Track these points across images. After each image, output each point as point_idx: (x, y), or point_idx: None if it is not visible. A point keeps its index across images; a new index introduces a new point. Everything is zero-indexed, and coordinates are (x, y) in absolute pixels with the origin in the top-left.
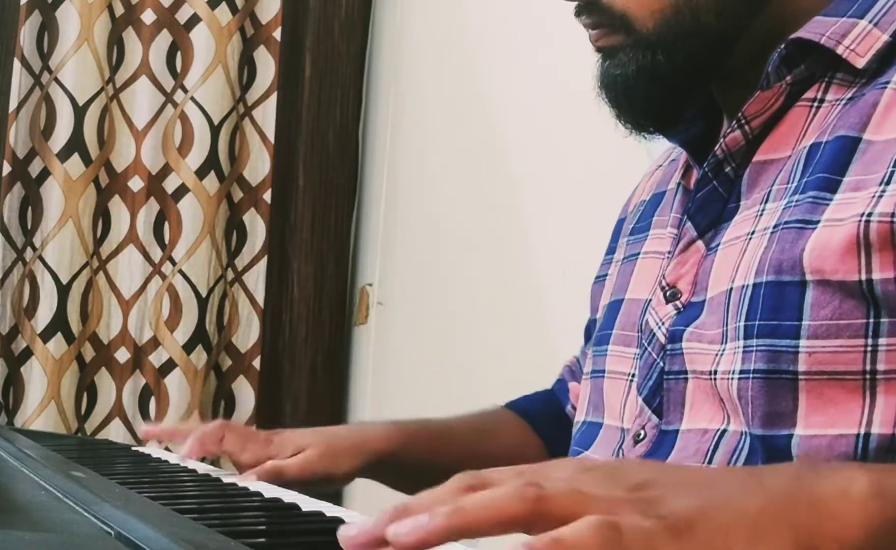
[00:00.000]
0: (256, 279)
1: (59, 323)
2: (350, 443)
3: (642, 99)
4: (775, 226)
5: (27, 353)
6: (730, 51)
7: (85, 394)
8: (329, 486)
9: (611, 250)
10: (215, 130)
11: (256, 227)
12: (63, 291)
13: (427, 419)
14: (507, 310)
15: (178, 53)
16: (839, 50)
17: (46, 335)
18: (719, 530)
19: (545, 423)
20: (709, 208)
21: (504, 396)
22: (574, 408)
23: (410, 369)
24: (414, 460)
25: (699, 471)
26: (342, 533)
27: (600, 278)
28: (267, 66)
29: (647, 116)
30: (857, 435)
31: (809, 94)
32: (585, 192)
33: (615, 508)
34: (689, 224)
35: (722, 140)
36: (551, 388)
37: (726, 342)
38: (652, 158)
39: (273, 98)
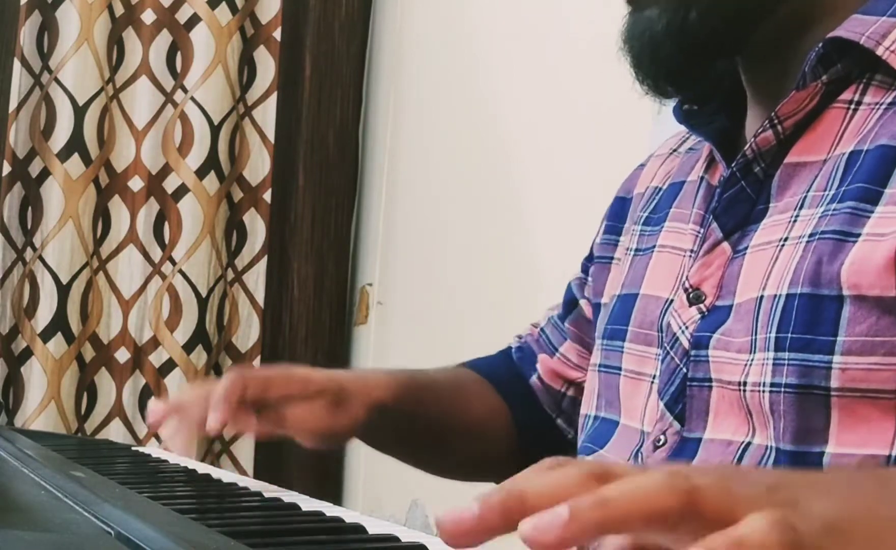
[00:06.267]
0: (256, 279)
1: (59, 323)
2: (362, 397)
3: (666, 57)
4: (811, 235)
5: (27, 353)
6: (763, 23)
7: (85, 394)
8: (331, 443)
9: (613, 230)
10: (215, 130)
11: (256, 227)
12: (63, 291)
13: (411, 370)
14: (508, 310)
15: (178, 53)
16: (879, 51)
17: (46, 335)
18: (871, 537)
19: (508, 388)
20: (736, 209)
21: None
22: (541, 380)
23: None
24: (405, 412)
25: (822, 475)
26: (442, 521)
27: (604, 260)
28: (267, 66)
29: (668, 78)
30: (889, 457)
31: (846, 95)
32: (586, 191)
33: (764, 507)
34: (714, 224)
35: (753, 140)
36: (507, 355)
37: (755, 352)
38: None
39: (273, 98)
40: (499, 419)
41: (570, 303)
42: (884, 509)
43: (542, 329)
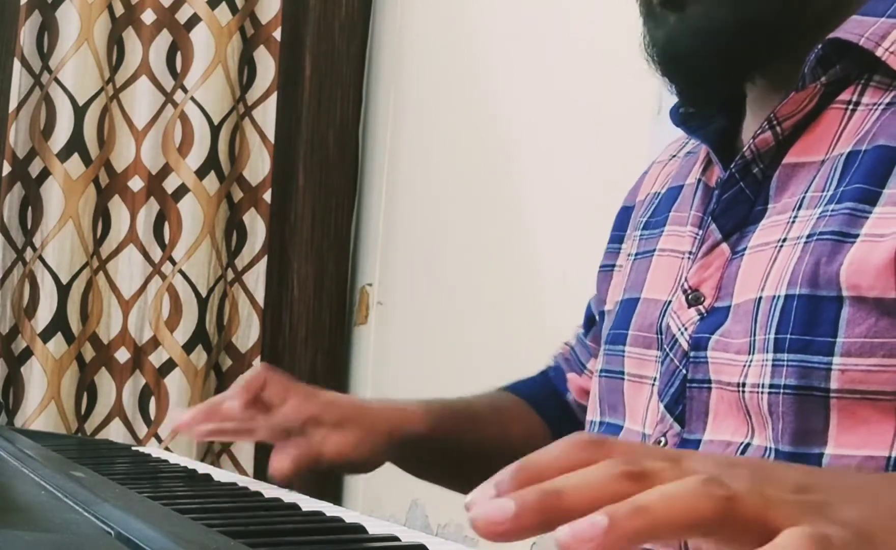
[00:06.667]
0: (256, 279)
1: (59, 323)
2: (388, 426)
3: (707, 57)
4: (809, 236)
5: (27, 353)
6: (796, 28)
7: (85, 394)
8: (358, 471)
9: (616, 239)
10: (215, 130)
11: (256, 227)
12: (63, 291)
13: (446, 398)
14: (508, 310)
15: (178, 53)
16: (878, 52)
17: (46, 335)
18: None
19: (548, 408)
20: (734, 210)
21: None
22: (576, 399)
23: (410, 369)
24: (441, 441)
25: (848, 476)
26: (475, 518)
27: (607, 268)
28: (267, 66)
29: (704, 83)
30: (888, 458)
31: (844, 96)
32: (586, 192)
33: (796, 513)
34: (713, 226)
35: (752, 141)
36: (545, 374)
37: (754, 353)
38: (651, 160)
39: (273, 98)
40: (540, 439)
41: (590, 320)
42: None
43: (572, 348)
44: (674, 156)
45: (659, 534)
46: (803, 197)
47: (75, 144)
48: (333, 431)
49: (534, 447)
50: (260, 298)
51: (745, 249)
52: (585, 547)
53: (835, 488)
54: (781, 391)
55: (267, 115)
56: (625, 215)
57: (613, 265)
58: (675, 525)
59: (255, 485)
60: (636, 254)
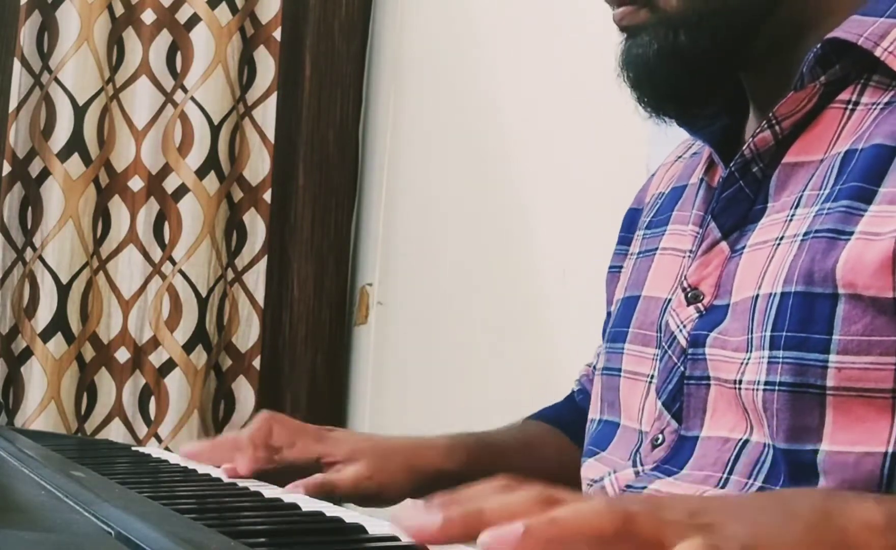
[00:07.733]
0: (256, 279)
1: (59, 323)
2: (405, 461)
3: (663, 80)
4: (805, 234)
5: (27, 353)
6: (755, 36)
7: (85, 394)
8: (378, 504)
9: (624, 241)
10: (215, 130)
11: (256, 227)
12: (63, 291)
13: (474, 432)
14: (508, 310)
15: (178, 53)
16: (877, 52)
17: (46, 335)
18: None
19: (577, 430)
20: (734, 209)
21: (504, 395)
22: None
23: (410, 369)
24: (469, 476)
25: (738, 499)
26: (405, 527)
27: (614, 269)
28: (267, 66)
29: (668, 99)
30: (885, 454)
31: (844, 95)
32: (586, 191)
33: (689, 531)
34: (712, 224)
35: (751, 140)
36: (571, 398)
37: (751, 351)
38: (652, 161)
39: (273, 98)
40: (573, 459)
41: (607, 325)
42: (786, 529)
43: (594, 368)
44: (680, 157)
45: (567, 544)
46: (801, 195)
47: (75, 144)
48: (346, 465)
49: (568, 467)
50: (260, 298)
51: (743, 247)
52: (503, 549)
53: (723, 510)
54: (777, 388)
55: (267, 115)
56: (632, 216)
57: (621, 267)
58: (581, 535)
59: (255, 485)
60: (639, 253)
